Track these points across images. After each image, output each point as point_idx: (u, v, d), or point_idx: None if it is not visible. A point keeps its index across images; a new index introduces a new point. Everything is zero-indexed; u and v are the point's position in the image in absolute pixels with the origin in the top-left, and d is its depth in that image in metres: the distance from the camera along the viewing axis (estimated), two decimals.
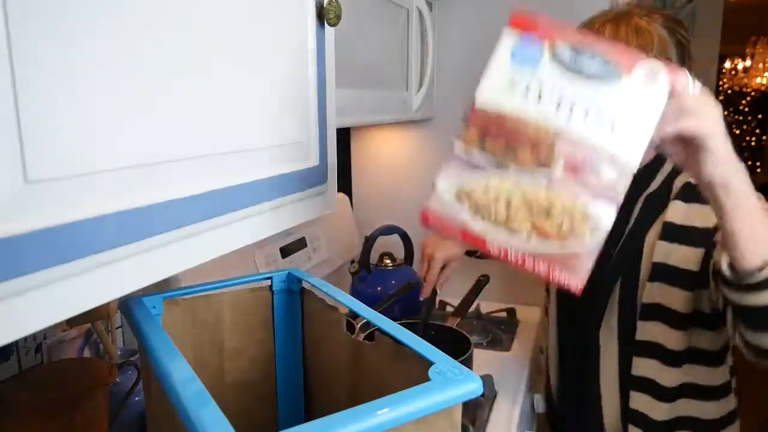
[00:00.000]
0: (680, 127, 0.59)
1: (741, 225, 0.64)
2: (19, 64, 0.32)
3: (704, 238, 0.87)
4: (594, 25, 0.92)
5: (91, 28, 0.36)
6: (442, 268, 1.20)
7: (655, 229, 0.94)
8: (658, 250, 0.91)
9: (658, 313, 0.93)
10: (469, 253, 1.25)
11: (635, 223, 0.97)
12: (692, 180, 0.86)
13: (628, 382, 0.97)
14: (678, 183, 0.94)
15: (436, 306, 1.55)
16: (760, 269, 0.65)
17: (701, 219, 0.89)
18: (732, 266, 0.68)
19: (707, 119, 0.60)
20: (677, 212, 0.92)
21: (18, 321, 0.33)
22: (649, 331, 0.93)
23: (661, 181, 0.97)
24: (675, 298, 0.91)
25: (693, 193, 0.90)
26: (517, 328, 1.48)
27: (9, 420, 0.68)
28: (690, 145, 0.61)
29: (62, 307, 0.36)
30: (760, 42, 5.24)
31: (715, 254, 0.74)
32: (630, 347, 0.96)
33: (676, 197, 0.93)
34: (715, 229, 0.84)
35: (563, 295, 1.08)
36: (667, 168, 0.97)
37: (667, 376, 0.94)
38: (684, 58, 0.92)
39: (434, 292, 1.24)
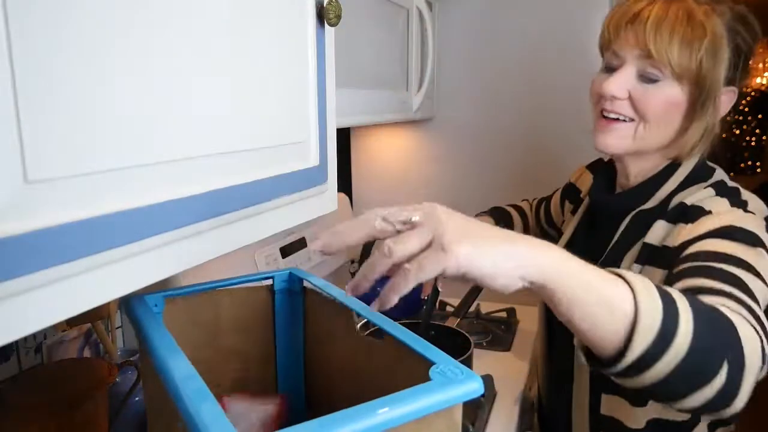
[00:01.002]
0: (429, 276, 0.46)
1: (579, 320, 0.51)
2: (19, 64, 0.32)
3: (675, 257, 0.75)
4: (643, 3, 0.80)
5: (91, 28, 0.36)
6: None
7: (633, 252, 0.84)
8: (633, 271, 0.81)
9: None
10: None
11: (614, 246, 0.87)
12: (687, 201, 0.80)
13: (597, 420, 0.88)
14: (675, 201, 0.83)
15: (437, 306, 1.55)
16: (616, 359, 0.52)
17: (680, 238, 0.76)
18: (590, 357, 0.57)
19: (450, 251, 0.45)
20: (657, 232, 0.81)
21: (18, 321, 0.33)
22: None
23: (661, 199, 0.86)
24: None
25: (682, 213, 0.79)
26: (517, 328, 1.48)
27: (9, 420, 0.68)
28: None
29: (62, 307, 0.36)
30: (760, 42, 5.24)
31: (575, 342, 0.59)
32: (599, 383, 0.87)
33: (662, 216, 0.82)
34: (682, 246, 0.74)
35: (548, 317, 1.04)
36: (670, 186, 0.85)
37: (634, 417, 0.84)
38: (738, 65, 0.81)
39: (436, 291, 1.22)
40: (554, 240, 1.07)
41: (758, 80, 5.39)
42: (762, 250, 0.71)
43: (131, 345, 1.01)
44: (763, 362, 0.55)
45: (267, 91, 0.55)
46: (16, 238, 0.32)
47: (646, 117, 0.81)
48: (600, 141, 0.85)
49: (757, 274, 0.66)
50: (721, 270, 0.65)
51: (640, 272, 0.78)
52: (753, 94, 5.71)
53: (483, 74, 1.56)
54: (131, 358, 0.88)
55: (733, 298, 0.61)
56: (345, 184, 1.76)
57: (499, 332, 1.42)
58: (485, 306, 1.54)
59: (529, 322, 1.51)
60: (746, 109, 5.82)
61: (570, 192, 1.15)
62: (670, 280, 0.70)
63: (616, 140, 0.84)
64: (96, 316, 0.86)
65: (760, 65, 5.32)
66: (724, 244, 0.70)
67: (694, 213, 0.77)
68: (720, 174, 0.86)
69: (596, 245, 0.91)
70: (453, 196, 1.68)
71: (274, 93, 0.57)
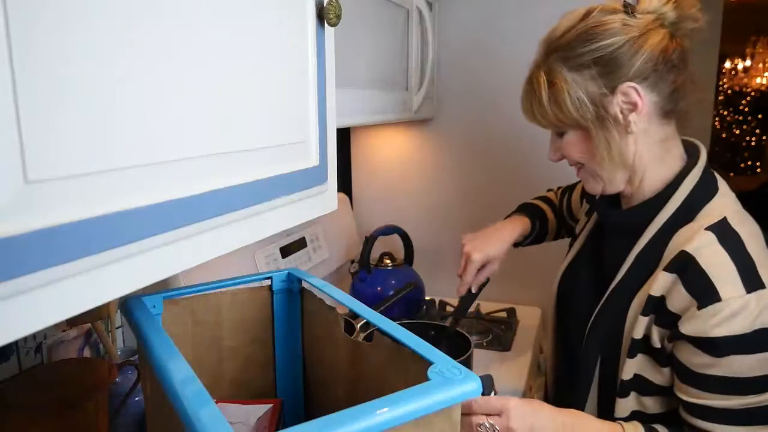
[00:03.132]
0: None
1: None
2: (19, 64, 0.32)
3: (680, 335, 0.77)
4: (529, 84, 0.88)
5: (91, 28, 0.36)
6: (481, 268, 1.13)
7: (637, 302, 0.82)
8: (639, 326, 0.81)
9: (636, 385, 0.83)
10: (516, 245, 1.20)
11: (618, 288, 0.86)
12: (688, 249, 0.77)
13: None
14: (674, 246, 0.80)
15: (437, 306, 1.55)
16: None
17: (687, 321, 0.76)
18: None
19: None
20: (660, 284, 0.79)
21: (18, 321, 0.33)
22: (627, 403, 0.84)
23: (655, 232, 0.84)
24: (653, 373, 0.82)
25: (683, 268, 0.77)
26: (517, 328, 1.48)
27: (9, 420, 0.68)
28: None
29: (62, 307, 0.36)
30: (760, 42, 5.24)
31: None
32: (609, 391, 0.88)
33: (669, 269, 0.78)
34: (693, 339, 0.75)
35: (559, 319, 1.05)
36: (662, 217, 0.83)
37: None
38: (605, 71, 0.79)
39: (470, 293, 1.18)
40: (572, 231, 1.16)
41: (758, 80, 5.39)
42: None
43: (131, 345, 1.01)
44: None
45: (267, 91, 0.55)
46: (16, 238, 0.32)
47: (575, 160, 0.88)
48: (585, 187, 0.93)
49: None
50: (730, 411, 0.74)
51: (647, 326, 0.80)
52: (753, 94, 5.71)
53: (483, 74, 1.56)
54: (131, 358, 0.88)
55: None
56: (345, 184, 1.76)
57: (499, 332, 1.42)
58: (485, 306, 1.54)
59: (529, 322, 1.51)
60: (746, 109, 5.82)
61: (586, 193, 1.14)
62: (679, 388, 0.78)
63: (588, 185, 0.91)
64: (96, 316, 0.86)
65: (760, 65, 5.31)
66: (744, 364, 0.72)
67: (702, 288, 0.75)
68: (720, 201, 0.83)
69: (603, 266, 0.94)
70: (453, 196, 1.68)
71: (274, 93, 0.57)
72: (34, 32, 0.32)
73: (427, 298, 1.55)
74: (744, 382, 0.73)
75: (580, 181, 1.10)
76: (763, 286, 0.73)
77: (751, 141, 5.84)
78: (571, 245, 1.08)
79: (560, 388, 1.06)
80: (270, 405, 0.73)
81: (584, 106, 0.81)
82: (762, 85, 5.43)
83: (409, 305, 1.46)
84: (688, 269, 0.76)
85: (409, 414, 0.45)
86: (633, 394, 0.84)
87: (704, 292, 0.74)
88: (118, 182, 0.39)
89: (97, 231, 0.37)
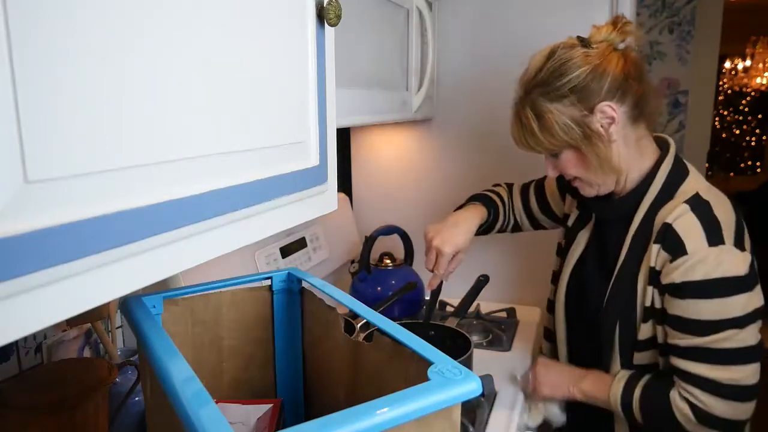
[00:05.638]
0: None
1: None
2: (19, 64, 0.32)
3: (663, 293, 0.94)
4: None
5: (91, 29, 0.36)
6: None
7: (643, 274, 0.96)
8: (647, 295, 0.96)
9: (651, 344, 0.98)
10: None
11: (624, 267, 1.00)
12: (669, 221, 0.92)
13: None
14: (658, 220, 0.95)
15: (437, 306, 1.55)
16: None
17: (665, 276, 0.93)
18: None
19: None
20: (653, 255, 0.94)
21: (18, 321, 0.33)
22: (644, 357, 1.00)
23: (644, 213, 0.99)
24: (661, 332, 0.96)
25: (665, 237, 0.92)
26: (517, 328, 1.48)
27: (9, 420, 0.68)
28: None
29: (62, 307, 0.36)
30: (760, 42, 5.24)
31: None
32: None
33: (656, 240, 0.94)
34: (667, 288, 0.93)
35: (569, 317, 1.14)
36: (648, 200, 0.99)
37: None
38: (582, 96, 0.92)
39: (440, 283, 1.23)
40: (543, 224, 1.30)
41: (758, 80, 5.39)
42: (737, 295, 0.88)
43: (131, 345, 1.01)
44: (697, 417, 0.90)
45: (267, 91, 0.55)
46: (16, 238, 0.32)
47: (573, 174, 1.01)
48: (582, 193, 1.06)
49: (736, 323, 0.88)
50: (693, 349, 0.90)
51: (652, 294, 0.95)
52: (753, 94, 5.71)
53: (483, 74, 1.56)
54: (131, 358, 0.88)
55: (691, 380, 0.91)
56: (345, 184, 1.76)
57: (499, 332, 1.42)
58: (485, 306, 1.54)
59: (529, 322, 1.51)
60: (746, 109, 5.82)
61: (569, 188, 1.18)
62: (667, 336, 0.94)
63: (586, 192, 1.04)
64: (96, 316, 0.86)
65: (760, 65, 5.31)
66: (702, 307, 0.89)
67: (674, 246, 0.91)
68: (693, 180, 0.98)
69: (606, 252, 1.07)
70: (452, 196, 1.68)
71: (274, 93, 0.57)
72: (33, 32, 0.32)
73: (427, 298, 1.55)
74: (704, 323, 0.89)
75: (545, 177, 1.29)
76: (723, 243, 0.88)
77: (751, 141, 5.84)
78: (566, 237, 1.17)
79: (577, 358, 1.14)
80: (270, 405, 0.73)
81: (571, 130, 0.94)
82: (762, 85, 5.43)
83: (409, 305, 1.46)
84: (667, 236, 0.93)
85: (409, 414, 0.45)
86: (650, 351, 0.99)
87: (676, 249, 0.91)
88: (118, 182, 0.39)
89: (97, 231, 0.37)
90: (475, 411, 1.04)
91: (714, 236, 0.89)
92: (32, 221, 0.33)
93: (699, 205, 0.93)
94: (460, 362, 0.52)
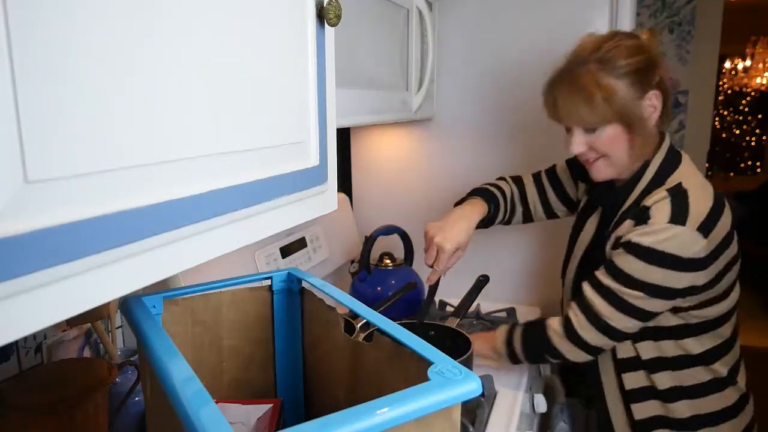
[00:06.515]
0: None
1: None
2: (19, 64, 0.32)
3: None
4: (553, 86, 1.05)
5: (91, 29, 0.36)
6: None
7: (610, 243, 1.06)
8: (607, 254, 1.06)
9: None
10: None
11: (606, 238, 1.09)
12: (647, 203, 1.00)
13: (627, 395, 1.11)
14: (642, 205, 1.02)
15: (437, 306, 1.55)
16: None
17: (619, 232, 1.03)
18: None
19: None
20: (623, 228, 1.03)
21: (18, 321, 0.33)
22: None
23: (635, 198, 1.06)
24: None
25: (640, 215, 1.00)
26: None
27: (9, 420, 0.68)
28: None
29: (62, 307, 0.36)
30: (760, 42, 5.24)
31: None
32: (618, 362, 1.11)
33: (630, 217, 1.03)
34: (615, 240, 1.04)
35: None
36: (640, 187, 1.06)
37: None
38: (641, 79, 0.99)
39: (438, 278, 1.24)
40: (557, 212, 1.33)
41: (758, 80, 5.39)
42: (670, 270, 0.96)
43: (131, 345, 1.01)
44: (577, 344, 1.05)
45: (267, 91, 0.55)
46: (16, 238, 0.32)
47: (605, 152, 1.05)
48: (594, 176, 1.10)
49: (652, 290, 0.98)
50: (606, 288, 1.01)
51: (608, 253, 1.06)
52: (753, 94, 5.71)
53: (483, 74, 1.56)
54: (131, 358, 0.88)
55: (583, 303, 1.04)
56: (345, 184, 1.76)
57: None
58: (485, 306, 1.54)
59: None
60: (746, 109, 5.82)
61: (581, 174, 1.25)
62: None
63: (601, 174, 1.09)
64: (96, 316, 0.86)
65: (760, 65, 5.31)
66: (635, 266, 0.98)
67: (641, 218, 1.00)
68: (683, 170, 1.05)
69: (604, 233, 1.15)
70: (452, 196, 1.67)
71: (275, 93, 0.57)
72: (33, 32, 0.32)
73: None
74: (628, 276, 0.99)
75: (554, 166, 1.33)
76: (684, 225, 0.95)
77: (751, 141, 5.84)
78: (575, 224, 1.24)
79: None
80: (270, 405, 0.73)
81: (627, 107, 0.99)
82: (762, 85, 5.43)
83: (409, 305, 1.46)
84: (639, 213, 1.01)
85: (409, 414, 0.45)
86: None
87: (641, 220, 1.00)
88: (118, 182, 0.39)
89: (97, 231, 0.37)
90: (475, 411, 1.04)
91: (678, 217, 0.96)
92: (32, 221, 0.33)
93: (678, 194, 0.99)
94: (460, 362, 0.52)
